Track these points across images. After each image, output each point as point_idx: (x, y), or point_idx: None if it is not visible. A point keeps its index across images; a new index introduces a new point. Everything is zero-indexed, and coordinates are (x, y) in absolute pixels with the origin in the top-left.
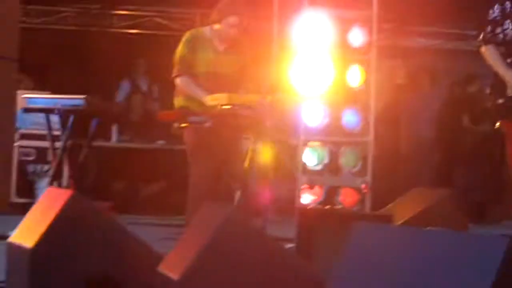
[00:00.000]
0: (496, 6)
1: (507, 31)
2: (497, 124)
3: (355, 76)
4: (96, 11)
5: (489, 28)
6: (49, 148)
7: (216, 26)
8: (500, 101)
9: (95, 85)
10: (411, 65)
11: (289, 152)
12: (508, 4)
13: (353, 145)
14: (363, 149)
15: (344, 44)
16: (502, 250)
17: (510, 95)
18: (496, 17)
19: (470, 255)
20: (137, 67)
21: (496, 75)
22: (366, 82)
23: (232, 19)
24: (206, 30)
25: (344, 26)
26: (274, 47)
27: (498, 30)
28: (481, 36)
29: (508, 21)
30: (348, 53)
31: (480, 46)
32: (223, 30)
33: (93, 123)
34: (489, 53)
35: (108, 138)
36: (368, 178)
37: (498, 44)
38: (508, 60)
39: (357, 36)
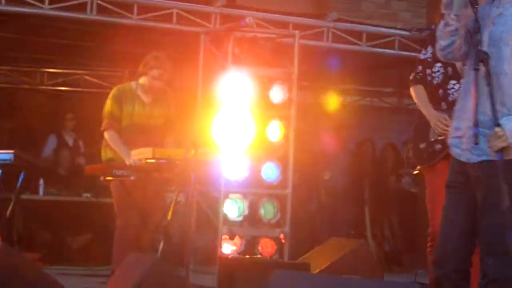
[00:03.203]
0: (429, 47)
1: (436, 74)
2: (417, 168)
3: (275, 131)
4: (27, 69)
5: (419, 68)
6: None
7: (142, 80)
8: (422, 146)
9: (23, 141)
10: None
11: (210, 204)
12: None
13: (272, 197)
14: (282, 201)
15: (265, 101)
16: None
17: (431, 140)
18: (427, 58)
19: None
20: (65, 122)
21: (420, 118)
22: (286, 136)
23: (156, 72)
24: (132, 84)
25: (266, 83)
26: (198, 103)
27: (428, 71)
28: (411, 76)
29: (439, 64)
30: (268, 109)
31: (410, 86)
32: (148, 83)
33: (21, 177)
34: (417, 93)
35: (36, 191)
36: (286, 228)
37: (426, 85)
38: (435, 107)
39: (278, 93)
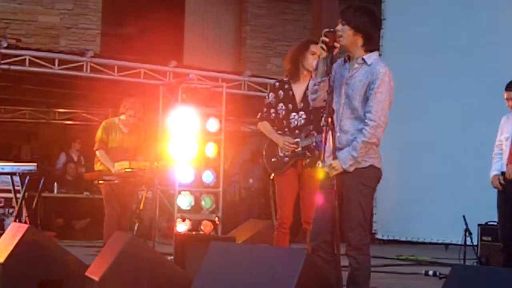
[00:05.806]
0: (270, 94)
1: (280, 111)
2: (271, 176)
3: (211, 150)
4: (44, 109)
5: (264, 110)
6: (13, 198)
7: (122, 117)
8: (273, 159)
9: (42, 157)
10: (250, 143)
11: (168, 198)
12: (280, 92)
13: (210, 193)
14: (216, 196)
15: (203, 129)
16: (303, 258)
17: (281, 155)
18: (270, 101)
19: (280, 262)
20: (74, 144)
21: (269, 141)
22: (218, 153)
23: (131, 112)
24: (115, 119)
25: (204, 118)
26: (159, 130)
27: (272, 110)
28: (258, 115)
29: (281, 104)
30: (206, 135)
31: (258, 122)
32: (126, 119)
33: (42, 181)
34: (264, 127)
35: (52, 191)
36: (219, 214)
37: (270, 120)
38: (279, 132)
39: (212, 124)
